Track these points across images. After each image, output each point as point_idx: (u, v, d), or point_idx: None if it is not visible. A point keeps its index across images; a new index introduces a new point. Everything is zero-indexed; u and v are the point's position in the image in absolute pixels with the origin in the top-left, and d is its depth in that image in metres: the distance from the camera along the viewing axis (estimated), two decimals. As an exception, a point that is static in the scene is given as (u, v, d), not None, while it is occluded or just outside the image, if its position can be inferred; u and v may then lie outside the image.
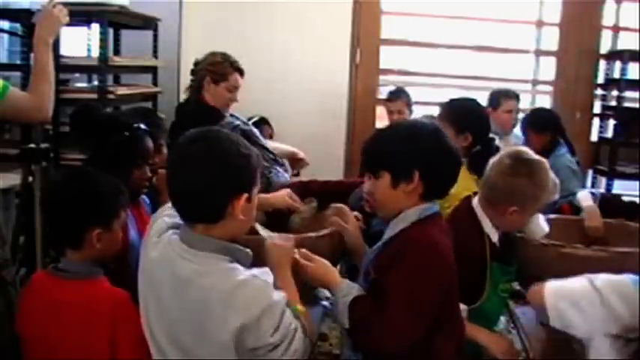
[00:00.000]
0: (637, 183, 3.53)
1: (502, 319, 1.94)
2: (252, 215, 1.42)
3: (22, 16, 2.89)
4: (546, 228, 1.95)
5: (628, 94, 3.78)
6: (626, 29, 3.94)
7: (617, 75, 3.87)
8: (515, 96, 3.60)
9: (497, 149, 2.49)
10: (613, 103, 3.87)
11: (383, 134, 1.59)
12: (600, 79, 3.99)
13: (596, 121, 4.03)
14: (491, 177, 1.81)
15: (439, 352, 1.47)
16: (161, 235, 1.42)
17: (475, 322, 1.70)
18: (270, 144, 2.97)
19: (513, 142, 3.30)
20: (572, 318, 1.51)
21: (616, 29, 4.01)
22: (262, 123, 3.48)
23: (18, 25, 3.14)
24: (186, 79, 2.96)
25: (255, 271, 1.35)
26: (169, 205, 1.50)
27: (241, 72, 2.84)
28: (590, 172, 4.03)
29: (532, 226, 1.91)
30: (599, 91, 4.01)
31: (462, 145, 2.06)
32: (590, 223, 2.31)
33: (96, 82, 3.08)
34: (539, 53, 4.07)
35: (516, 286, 2.08)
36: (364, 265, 1.58)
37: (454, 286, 1.50)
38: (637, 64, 3.80)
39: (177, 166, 1.37)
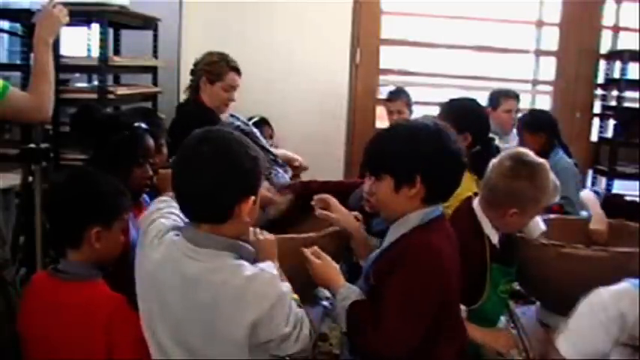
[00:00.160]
0: (637, 183, 3.53)
1: (502, 319, 1.94)
2: (255, 216, 1.44)
3: (22, 16, 2.89)
4: (543, 226, 1.96)
5: (628, 94, 3.78)
6: (626, 29, 3.94)
7: (617, 75, 3.87)
8: (515, 96, 3.60)
9: (497, 149, 2.49)
10: (613, 103, 3.87)
11: (385, 136, 1.56)
12: (600, 79, 3.99)
13: (596, 121, 4.03)
14: (491, 179, 1.80)
15: (440, 356, 1.47)
16: (162, 236, 1.41)
17: (475, 322, 1.71)
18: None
19: (513, 141, 3.30)
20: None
21: (616, 29, 4.01)
22: (262, 123, 3.48)
23: (18, 25, 3.14)
24: (186, 79, 2.96)
25: (260, 265, 1.38)
26: (158, 206, 1.52)
27: (238, 71, 2.84)
28: (590, 172, 4.04)
29: (529, 225, 1.91)
30: (599, 91, 4.01)
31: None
32: (596, 227, 2.26)
33: (96, 82, 3.07)
34: (539, 53, 4.07)
35: (516, 286, 2.09)
36: (364, 269, 1.58)
37: (454, 292, 1.49)
38: (637, 64, 3.80)
39: (186, 166, 1.37)
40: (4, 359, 1.78)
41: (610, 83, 3.92)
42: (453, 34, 3.98)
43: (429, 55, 4.12)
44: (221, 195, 1.34)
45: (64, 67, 2.84)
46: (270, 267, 1.39)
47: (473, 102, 2.35)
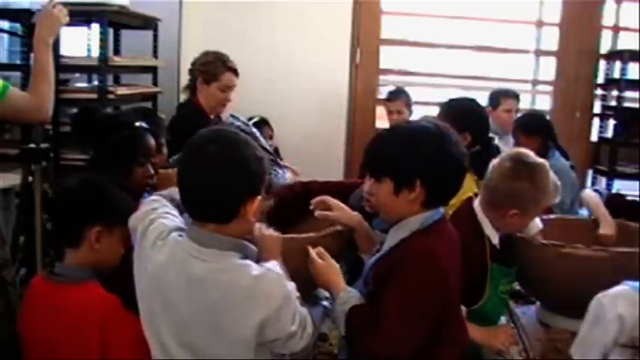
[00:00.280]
0: (637, 183, 3.53)
1: (502, 318, 1.94)
2: (258, 216, 1.45)
3: (22, 16, 2.89)
4: (540, 224, 1.96)
5: (628, 94, 3.78)
6: (626, 29, 3.94)
7: (617, 75, 3.87)
8: (515, 95, 3.61)
9: (496, 149, 2.49)
10: (613, 103, 3.87)
11: (385, 138, 1.54)
12: (600, 79, 3.99)
13: (596, 121, 4.03)
14: (492, 180, 1.80)
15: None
16: (165, 237, 1.41)
17: (475, 322, 1.70)
18: None
19: (512, 141, 3.30)
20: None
21: (616, 29, 4.01)
22: (262, 124, 3.48)
23: (18, 25, 3.14)
24: (186, 79, 2.96)
25: (266, 264, 1.39)
26: (153, 206, 1.52)
27: (235, 71, 2.82)
28: (590, 172, 4.04)
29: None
30: (599, 91, 4.01)
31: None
32: (605, 232, 2.22)
33: (96, 82, 3.08)
34: (539, 53, 4.07)
35: (516, 286, 2.09)
36: (364, 272, 1.57)
37: (455, 297, 1.49)
38: (637, 64, 3.80)
39: (192, 165, 1.38)
40: (4, 359, 1.77)
41: (610, 83, 3.93)
42: (453, 34, 3.98)
43: (429, 55, 4.12)
44: (227, 195, 1.35)
45: (64, 67, 2.84)
46: (275, 266, 1.40)
47: (472, 102, 2.35)
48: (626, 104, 3.79)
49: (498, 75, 3.98)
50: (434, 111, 2.41)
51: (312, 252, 1.58)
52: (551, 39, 3.99)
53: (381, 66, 3.96)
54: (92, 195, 1.63)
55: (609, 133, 3.90)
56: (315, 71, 3.74)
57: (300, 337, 1.37)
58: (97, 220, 1.59)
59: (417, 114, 3.47)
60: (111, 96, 2.95)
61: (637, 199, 2.52)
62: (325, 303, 1.67)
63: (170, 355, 1.38)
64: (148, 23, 3.46)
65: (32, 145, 2.35)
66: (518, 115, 3.52)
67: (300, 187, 2.16)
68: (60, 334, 1.51)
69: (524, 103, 3.86)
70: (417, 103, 3.65)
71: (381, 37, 3.93)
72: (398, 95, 3.61)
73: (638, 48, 3.69)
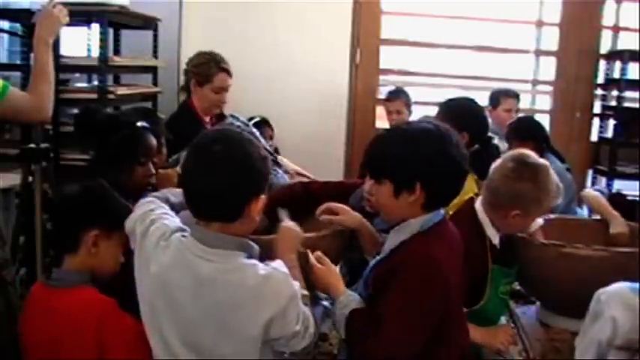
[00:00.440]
0: (637, 183, 3.53)
1: (502, 318, 1.94)
2: (261, 215, 1.45)
3: (22, 16, 2.89)
4: (540, 220, 1.95)
5: (628, 94, 3.78)
6: (626, 29, 3.94)
7: (617, 75, 3.87)
8: (515, 95, 3.61)
9: (496, 148, 2.49)
10: (613, 103, 3.87)
11: (385, 139, 1.53)
12: (600, 79, 3.99)
13: (596, 121, 4.02)
14: (494, 180, 1.80)
15: None
16: (167, 238, 1.42)
17: (475, 323, 1.70)
18: None
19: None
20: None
21: (616, 29, 4.01)
22: (263, 124, 3.47)
23: (18, 25, 3.13)
24: (186, 79, 2.96)
25: (272, 264, 1.40)
26: (150, 207, 1.52)
27: (228, 72, 2.79)
28: (590, 172, 4.04)
29: None
30: (599, 91, 4.01)
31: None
32: (617, 230, 2.21)
33: (96, 82, 3.07)
34: (539, 53, 4.07)
35: (516, 286, 2.09)
36: (364, 274, 1.57)
37: (456, 300, 1.48)
38: (637, 64, 3.80)
39: (198, 165, 1.39)
40: (4, 359, 1.77)
41: (610, 83, 3.92)
42: (453, 34, 3.98)
43: (429, 55, 4.12)
44: (232, 194, 1.36)
45: (64, 67, 2.84)
46: (281, 266, 1.40)
47: (470, 101, 2.35)
48: (626, 104, 3.79)
49: (498, 75, 3.98)
50: (434, 111, 2.41)
51: (311, 257, 1.57)
52: (551, 39, 3.99)
53: (381, 66, 3.96)
54: (90, 199, 1.64)
55: (609, 133, 3.90)
56: (315, 71, 3.73)
57: (302, 337, 1.38)
58: (94, 223, 1.59)
59: (417, 114, 3.47)
60: (111, 96, 2.94)
61: (637, 198, 2.52)
62: (326, 303, 1.66)
63: (174, 355, 1.38)
64: (148, 23, 3.46)
65: (32, 145, 2.35)
66: (519, 115, 3.52)
67: (300, 187, 2.15)
68: (57, 338, 1.50)
69: (524, 103, 3.87)
70: (417, 103, 3.65)
71: (381, 37, 3.93)
72: (397, 95, 3.62)
73: (638, 48, 3.69)
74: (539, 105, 4.16)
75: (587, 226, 2.33)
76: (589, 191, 2.49)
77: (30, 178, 2.37)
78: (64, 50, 2.94)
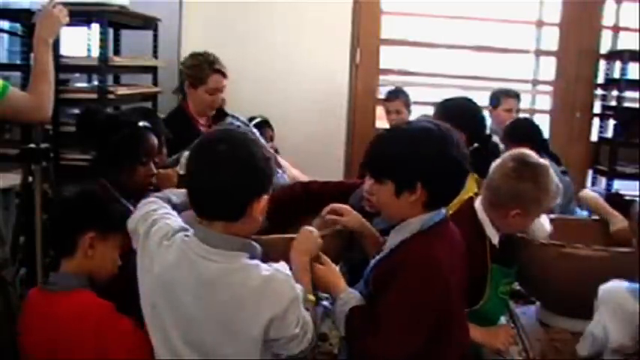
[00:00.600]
0: (637, 183, 3.53)
1: (502, 318, 1.94)
2: (264, 216, 1.46)
3: (22, 16, 2.89)
4: (548, 228, 1.95)
5: (628, 94, 3.78)
6: (626, 29, 3.94)
7: (617, 75, 3.87)
8: (515, 95, 3.61)
9: (495, 147, 2.49)
10: (613, 103, 3.87)
11: (386, 139, 1.53)
12: (600, 79, 3.99)
13: (596, 121, 4.02)
14: (494, 180, 1.80)
15: None
16: (170, 238, 1.42)
17: (475, 323, 1.70)
18: None
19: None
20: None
21: (616, 29, 4.01)
22: (264, 125, 3.45)
23: (18, 25, 3.14)
24: (186, 79, 2.96)
25: (275, 265, 1.40)
26: (152, 207, 1.53)
27: (222, 73, 2.76)
28: (590, 172, 4.04)
29: (534, 227, 1.90)
30: (599, 91, 4.01)
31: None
32: (617, 227, 2.22)
33: (96, 82, 3.08)
34: (539, 53, 4.07)
35: (516, 286, 2.09)
36: (365, 272, 1.57)
37: (456, 300, 1.48)
38: (637, 64, 3.80)
39: (202, 164, 1.40)
40: (4, 359, 1.77)
41: (610, 83, 3.92)
42: (453, 34, 3.98)
43: (428, 55, 4.12)
44: (235, 193, 1.37)
45: (64, 67, 2.84)
46: (284, 267, 1.41)
47: (467, 101, 2.34)
48: (626, 104, 3.79)
49: (498, 75, 3.98)
50: (433, 111, 2.41)
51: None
52: (551, 39, 3.99)
53: (381, 66, 3.96)
54: (85, 202, 1.64)
55: (609, 133, 3.90)
56: (315, 71, 3.73)
57: (299, 342, 1.38)
58: (90, 226, 1.59)
59: (417, 114, 3.47)
60: (111, 96, 2.95)
61: (636, 198, 2.52)
62: (325, 303, 1.66)
63: (176, 355, 1.39)
64: (148, 23, 3.46)
65: (32, 145, 2.35)
66: (519, 115, 3.52)
67: (300, 187, 2.15)
68: (56, 343, 1.50)
69: (525, 103, 3.87)
70: (417, 103, 3.65)
71: (381, 37, 3.93)
72: (396, 95, 3.62)
73: (638, 48, 3.69)
74: (539, 105, 4.16)
75: (587, 226, 2.33)
76: (587, 192, 2.49)
77: (30, 178, 2.37)
78: (64, 50, 2.94)
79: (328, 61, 3.75)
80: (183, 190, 1.57)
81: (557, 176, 2.89)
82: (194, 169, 1.42)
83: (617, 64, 3.89)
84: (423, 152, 1.43)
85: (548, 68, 4.02)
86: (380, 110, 3.88)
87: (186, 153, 1.91)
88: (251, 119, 3.28)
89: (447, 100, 2.32)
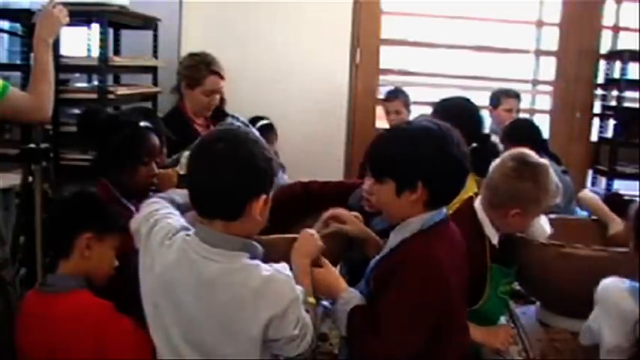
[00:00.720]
0: (637, 183, 3.53)
1: (502, 318, 1.94)
2: (266, 217, 1.46)
3: (22, 16, 2.89)
4: (548, 229, 1.95)
5: (628, 94, 3.77)
6: (626, 29, 3.94)
7: (617, 75, 3.87)
8: (515, 95, 3.62)
9: (494, 147, 2.48)
10: (613, 103, 3.86)
11: (386, 138, 1.54)
12: (600, 79, 3.98)
13: (596, 121, 4.02)
14: (493, 179, 1.80)
15: None
16: (171, 237, 1.43)
17: (475, 323, 1.70)
18: None
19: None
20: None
21: (616, 29, 4.00)
22: (269, 128, 3.42)
23: (18, 25, 3.14)
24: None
25: (276, 266, 1.40)
26: (155, 207, 1.54)
27: (219, 74, 2.75)
28: (590, 172, 4.03)
29: (534, 228, 1.90)
30: (599, 91, 4.00)
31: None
32: (614, 231, 2.22)
33: (96, 82, 3.08)
34: (539, 53, 4.07)
35: (516, 286, 2.09)
36: (366, 272, 1.57)
37: (457, 300, 1.48)
38: (637, 64, 3.80)
39: (201, 162, 1.41)
40: (3, 359, 1.77)
41: (610, 83, 3.92)
42: (453, 34, 3.98)
43: (428, 55, 4.12)
44: (234, 191, 1.37)
45: (64, 67, 2.84)
46: (284, 268, 1.41)
47: (464, 100, 2.34)
48: (626, 104, 3.78)
49: (498, 75, 3.98)
50: (433, 111, 2.41)
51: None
52: (551, 39, 3.98)
53: (381, 66, 3.96)
54: (82, 203, 1.65)
55: (609, 133, 3.90)
56: (315, 71, 3.73)
57: (297, 344, 1.38)
58: (87, 227, 1.59)
59: (417, 114, 3.47)
60: (111, 96, 2.95)
61: (636, 198, 2.52)
62: (325, 303, 1.66)
63: (178, 354, 1.39)
64: (148, 23, 3.46)
65: (32, 145, 2.36)
66: (519, 115, 3.52)
67: (300, 187, 2.15)
68: (55, 344, 1.50)
69: (525, 103, 3.87)
70: (417, 103, 3.65)
71: (381, 37, 3.93)
72: (396, 95, 3.62)
73: (638, 48, 3.69)
74: (539, 105, 4.16)
75: (587, 226, 2.33)
76: (586, 192, 2.49)
77: (30, 178, 2.37)
78: (64, 50, 2.95)
79: (328, 61, 3.74)
80: (187, 191, 1.57)
81: (557, 176, 2.91)
82: (194, 168, 1.43)
83: (617, 64, 3.89)
84: (423, 151, 1.44)
85: (548, 68, 4.02)
86: (380, 110, 3.88)
87: (186, 153, 1.91)
88: (256, 120, 3.27)
89: (444, 100, 2.32)
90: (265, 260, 1.43)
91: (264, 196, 1.40)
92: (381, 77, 3.98)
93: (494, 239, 1.81)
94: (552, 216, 2.22)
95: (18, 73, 2.94)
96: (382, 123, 3.79)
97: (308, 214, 1.98)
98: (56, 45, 2.53)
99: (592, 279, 1.65)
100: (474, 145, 2.15)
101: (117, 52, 3.48)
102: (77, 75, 3.47)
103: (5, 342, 1.74)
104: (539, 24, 4.03)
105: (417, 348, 1.40)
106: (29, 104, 1.93)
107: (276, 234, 1.67)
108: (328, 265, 1.56)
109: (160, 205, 1.56)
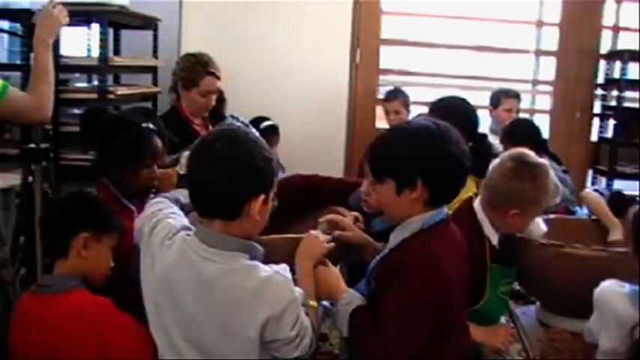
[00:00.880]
0: (637, 183, 3.53)
1: (502, 318, 1.94)
2: (266, 217, 1.46)
3: (22, 16, 2.89)
4: (544, 228, 1.95)
5: (628, 94, 3.77)
6: (626, 29, 3.94)
7: (617, 75, 3.87)
8: (515, 95, 3.61)
9: (489, 146, 2.48)
10: (613, 103, 3.86)
11: (386, 138, 1.54)
12: (600, 79, 3.98)
13: (596, 121, 4.02)
14: (493, 179, 1.80)
15: None
16: (172, 237, 1.43)
17: (475, 323, 1.70)
18: None
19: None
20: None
21: (616, 29, 4.00)
22: (272, 131, 3.41)
23: (18, 25, 3.14)
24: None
25: (275, 267, 1.40)
26: (158, 207, 1.54)
27: (216, 75, 2.73)
28: (590, 172, 4.03)
29: (530, 227, 1.90)
30: (599, 91, 4.00)
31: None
32: (615, 238, 2.22)
33: (96, 82, 3.08)
34: (539, 53, 4.07)
35: (516, 286, 2.09)
36: (367, 271, 1.57)
37: (457, 300, 1.48)
38: (637, 64, 3.79)
39: (200, 162, 1.41)
40: (3, 359, 1.77)
41: (610, 83, 3.92)
42: (453, 34, 3.98)
43: (429, 55, 4.12)
44: (232, 191, 1.37)
45: (64, 67, 2.84)
46: (285, 270, 1.41)
47: (461, 100, 2.34)
48: (626, 104, 3.78)
49: (498, 75, 3.98)
50: (432, 111, 2.41)
51: None
52: (551, 39, 3.98)
53: (381, 66, 3.96)
54: (79, 203, 1.66)
55: (609, 133, 3.90)
56: (315, 71, 3.73)
57: (296, 346, 1.37)
58: (83, 226, 1.59)
59: (416, 114, 3.47)
60: (111, 96, 2.95)
61: (636, 198, 2.52)
62: (325, 303, 1.67)
63: (178, 353, 1.39)
64: (148, 23, 3.46)
65: (32, 145, 2.36)
66: (519, 115, 3.52)
67: (301, 180, 2.14)
68: (55, 345, 1.49)
69: (525, 103, 3.87)
70: (417, 103, 3.65)
71: (381, 37, 3.93)
72: (395, 95, 3.61)
73: (638, 48, 3.69)
74: (539, 105, 4.16)
75: (587, 226, 2.33)
76: (590, 192, 2.47)
77: (30, 178, 2.37)
78: (64, 50, 2.95)
79: (328, 61, 3.74)
80: None
81: (558, 176, 2.91)
82: (194, 168, 1.43)
83: (617, 64, 3.88)
84: (422, 149, 1.44)
85: (548, 68, 4.01)
86: (380, 110, 3.87)
87: (186, 153, 1.91)
88: (260, 121, 3.26)
89: (440, 100, 2.32)
90: (265, 260, 1.43)
91: (262, 196, 1.39)
92: (381, 77, 3.98)
93: (494, 239, 1.81)
94: (552, 216, 2.23)
95: (18, 73, 2.94)
96: (382, 123, 3.78)
97: (307, 210, 1.98)
98: (56, 45, 2.52)
99: (592, 279, 1.65)
100: (470, 144, 2.15)
101: (117, 52, 3.48)
102: (77, 75, 3.47)
103: (5, 342, 1.74)
104: (539, 24, 4.03)
105: (418, 347, 1.40)
106: (29, 104, 1.93)
107: (274, 227, 1.66)
108: (330, 266, 1.56)
109: (163, 205, 1.57)
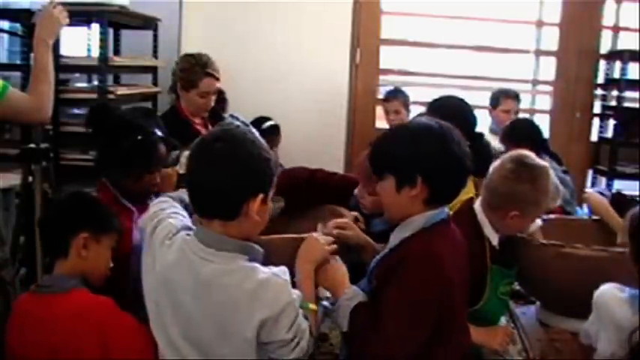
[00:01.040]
0: (637, 183, 3.53)
1: (502, 319, 1.94)
2: (266, 218, 1.46)
3: (22, 16, 2.89)
4: (539, 221, 1.96)
5: (628, 94, 3.77)
6: (626, 29, 3.94)
7: (617, 75, 3.87)
8: (514, 96, 3.61)
9: (486, 145, 2.48)
10: (613, 103, 3.86)
11: (387, 136, 1.55)
12: (600, 79, 3.98)
13: (596, 121, 4.02)
14: (492, 181, 1.80)
15: None
16: (172, 237, 1.43)
17: (475, 324, 1.70)
18: None
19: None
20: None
21: (616, 29, 4.00)
22: (275, 131, 3.41)
23: (18, 25, 3.15)
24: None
25: (274, 269, 1.40)
26: (161, 206, 1.55)
27: (214, 76, 2.73)
28: (590, 172, 4.03)
29: None
30: (599, 91, 4.00)
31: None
32: (624, 240, 2.22)
33: (96, 82, 3.08)
34: (539, 53, 4.07)
35: (516, 286, 2.09)
36: (369, 270, 1.57)
37: (458, 299, 1.48)
38: (637, 64, 3.79)
39: (199, 161, 1.41)
40: (3, 359, 1.77)
41: (610, 83, 3.92)
42: (453, 34, 3.98)
43: (429, 55, 4.12)
44: (230, 190, 1.37)
45: (64, 67, 2.84)
46: (284, 273, 1.41)
47: (457, 100, 2.34)
48: (626, 104, 3.78)
49: (498, 75, 3.98)
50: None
51: None
52: (551, 39, 3.98)
53: (381, 66, 3.96)
54: (78, 203, 1.66)
55: (609, 133, 3.90)
56: (315, 71, 3.73)
57: (292, 348, 1.37)
58: (83, 227, 1.60)
59: (416, 114, 3.47)
60: (111, 96, 2.95)
61: (637, 198, 2.51)
62: (325, 303, 1.67)
63: (179, 353, 1.40)
64: (148, 23, 3.46)
65: (32, 145, 2.36)
66: (518, 115, 3.52)
67: (306, 173, 2.14)
68: (57, 345, 1.49)
69: (525, 103, 3.87)
70: (417, 103, 3.65)
71: (381, 37, 3.93)
72: (395, 95, 3.62)
73: (638, 48, 3.69)
74: (539, 105, 4.16)
75: (587, 226, 2.32)
76: (593, 194, 2.45)
77: (30, 178, 2.37)
78: (64, 50, 2.95)
79: (328, 61, 3.75)
80: None
81: (558, 176, 2.91)
82: (193, 167, 1.43)
83: (617, 64, 3.88)
84: (424, 147, 1.45)
85: (548, 68, 4.01)
86: (380, 110, 3.88)
87: (186, 152, 1.91)
88: (262, 121, 3.26)
89: (437, 99, 2.32)
90: (265, 261, 1.43)
91: (261, 196, 1.39)
92: (381, 77, 3.98)
93: (494, 240, 1.81)
94: (552, 216, 2.22)
95: (18, 73, 2.95)
96: (382, 123, 3.79)
97: (308, 204, 1.97)
98: (56, 45, 2.52)
99: (592, 279, 1.65)
100: (469, 144, 2.15)
101: (117, 52, 3.48)
102: (77, 75, 3.47)
103: (3, 342, 1.74)
104: (539, 24, 4.03)
105: (418, 346, 1.40)
106: (29, 104, 1.93)
107: (277, 232, 1.66)
108: (339, 262, 1.57)
109: (166, 205, 1.57)
